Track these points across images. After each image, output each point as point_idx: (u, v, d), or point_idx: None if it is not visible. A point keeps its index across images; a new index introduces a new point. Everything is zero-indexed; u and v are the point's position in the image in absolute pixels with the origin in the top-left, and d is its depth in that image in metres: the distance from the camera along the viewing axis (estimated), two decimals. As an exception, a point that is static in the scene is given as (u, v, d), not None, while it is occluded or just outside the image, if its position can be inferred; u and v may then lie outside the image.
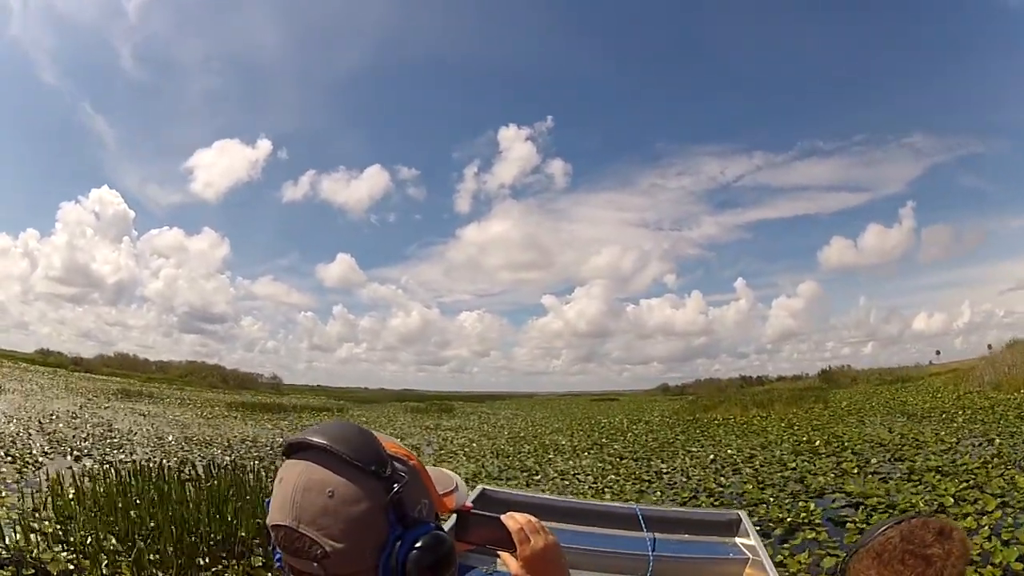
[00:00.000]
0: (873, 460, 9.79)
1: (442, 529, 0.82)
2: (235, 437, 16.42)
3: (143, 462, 9.23)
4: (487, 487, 4.37)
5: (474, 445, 16.59)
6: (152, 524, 5.51)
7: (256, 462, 10.70)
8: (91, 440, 12.72)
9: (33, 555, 4.80)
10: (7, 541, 5.02)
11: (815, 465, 9.96)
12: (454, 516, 0.94)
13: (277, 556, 0.82)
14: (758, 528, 4.60)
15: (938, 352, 48.05)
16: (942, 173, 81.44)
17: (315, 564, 0.76)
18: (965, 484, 7.41)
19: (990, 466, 8.18)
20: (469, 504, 0.96)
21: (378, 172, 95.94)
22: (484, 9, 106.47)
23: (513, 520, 0.93)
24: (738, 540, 3.92)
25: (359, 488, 0.77)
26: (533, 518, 0.94)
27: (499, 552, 0.94)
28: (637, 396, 79.26)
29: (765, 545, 3.76)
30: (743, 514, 4.08)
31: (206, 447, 13.70)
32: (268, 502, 0.82)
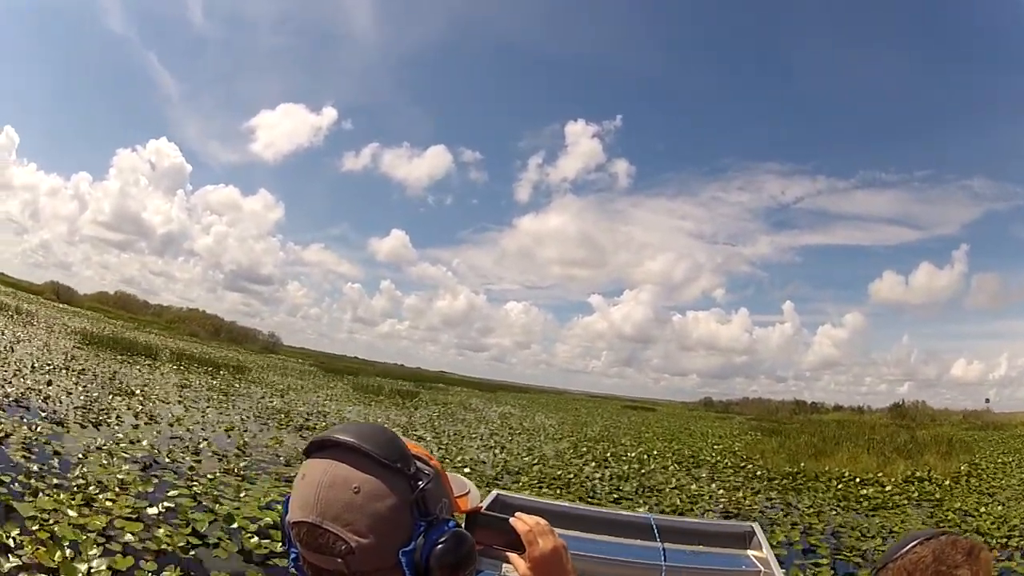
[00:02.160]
0: None
1: (467, 532, 0.83)
2: None
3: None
4: (502, 492, 4.41)
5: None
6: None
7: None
8: None
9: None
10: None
11: None
12: (465, 517, 0.97)
13: (293, 555, 0.83)
14: (771, 542, 4.59)
15: (987, 400, 44.28)
16: (997, 220, 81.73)
17: (339, 560, 0.77)
18: None
19: None
20: (481, 506, 0.99)
21: (441, 152, 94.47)
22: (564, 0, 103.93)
23: (522, 522, 0.94)
24: (751, 552, 3.94)
25: (385, 484, 0.78)
26: (542, 520, 0.95)
27: (508, 553, 0.95)
28: (675, 408, 74.21)
29: (777, 558, 3.87)
30: (756, 527, 4.10)
31: None
32: (287, 500, 0.83)
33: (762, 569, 3.70)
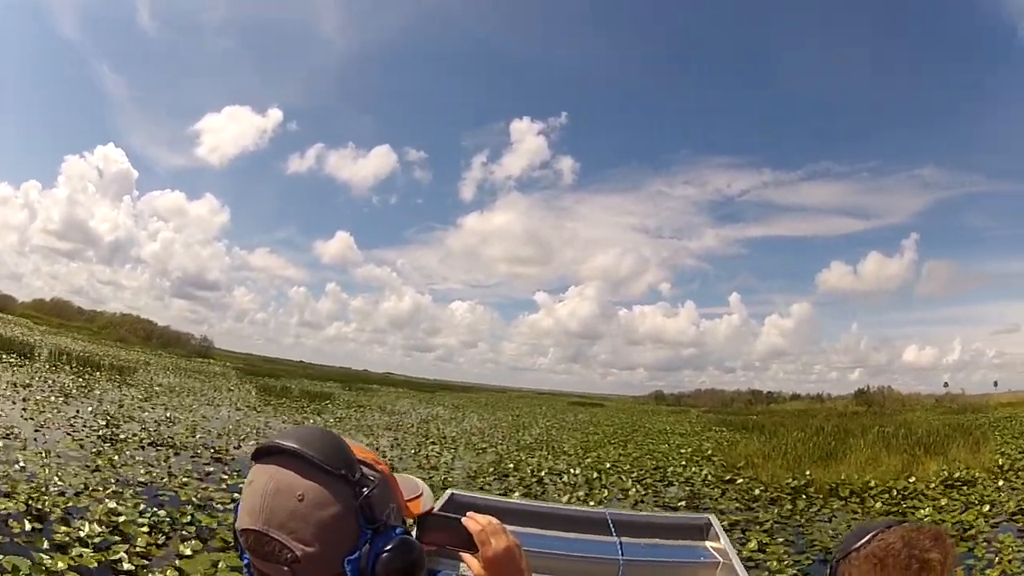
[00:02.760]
0: None
1: (411, 534, 0.82)
2: None
3: None
4: (456, 491, 4.31)
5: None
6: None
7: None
8: None
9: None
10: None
11: None
12: (416, 519, 0.94)
13: (245, 560, 0.82)
14: (728, 531, 4.47)
15: (945, 384, 42.87)
16: (948, 208, 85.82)
17: (285, 568, 0.76)
18: None
19: None
20: (432, 508, 0.97)
21: (386, 152, 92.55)
22: None
23: (474, 522, 0.93)
24: (708, 544, 3.91)
25: (329, 492, 0.77)
26: (494, 520, 0.93)
27: (462, 554, 0.93)
28: (624, 402, 71.07)
29: (735, 547, 3.92)
30: (713, 518, 4.08)
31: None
32: (236, 506, 0.82)
33: (720, 560, 3.67)
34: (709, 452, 15.04)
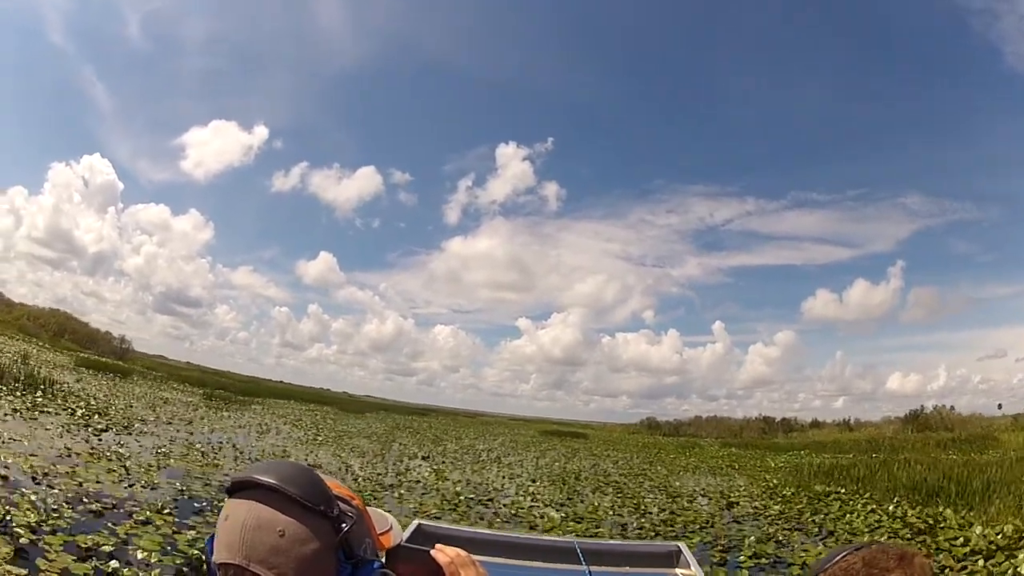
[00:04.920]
0: None
1: (387, 568, 0.85)
2: None
3: None
4: (423, 521, 4.28)
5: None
6: None
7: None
8: None
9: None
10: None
11: None
12: (386, 551, 0.95)
13: None
14: (699, 559, 4.29)
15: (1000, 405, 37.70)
16: (933, 235, 79.35)
17: None
18: None
19: None
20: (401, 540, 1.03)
21: (371, 173, 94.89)
22: (495, 22, 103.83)
23: (443, 554, 0.92)
24: (679, 571, 3.88)
25: (309, 528, 0.78)
26: (463, 552, 0.94)
27: None
28: (611, 430, 62.55)
29: (706, 574, 3.73)
30: (683, 545, 4.03)
31: None
32: (209, 540, 0.82)
33: None
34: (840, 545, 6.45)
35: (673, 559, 3.92)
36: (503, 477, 14.82)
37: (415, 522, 4.11)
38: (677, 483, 16.21)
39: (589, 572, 3.54)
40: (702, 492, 14.34)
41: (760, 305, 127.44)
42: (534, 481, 14.44)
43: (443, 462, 16.86)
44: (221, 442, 14.64)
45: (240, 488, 0.80)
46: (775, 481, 16.16)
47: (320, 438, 20.06)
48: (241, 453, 13.12)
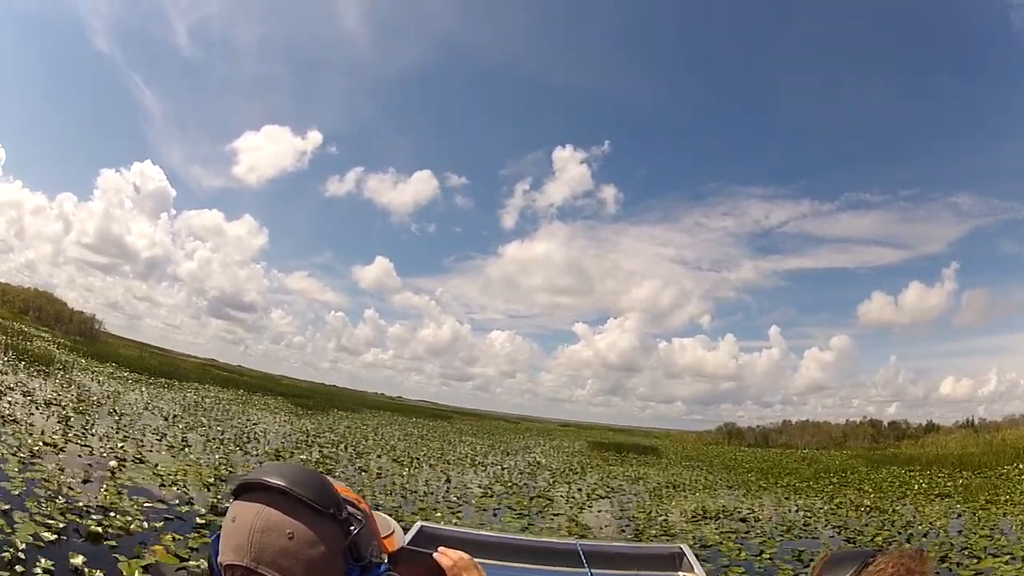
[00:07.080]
0: None
1: (394, 571, 0.86)
2: None
3: None
4: (425, 523, 4.23)
5: None
6: None
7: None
8: None
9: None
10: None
11: None
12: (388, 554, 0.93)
13: None
14: (701, 560, 4.23)
15: None
16: (984, 236, 77.75)
17: None
18: None
19: None
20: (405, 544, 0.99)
21: (427, 177, 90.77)
22: (553, 26, 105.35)
23: (446, 557, 0.94)
24: (681, 574, 3.87)
25: (318, 531, 0.77)
26: (465, 555, 0.95)
27: None
28: (685, 439, 53.41)
29: None
30: (686, 547, 4.00)
31: None
32: (215, 539, 0.81)
33: None
34: None
35: (676, 561, 3.94)
36: None
37: (418, 524, 4.08)
38: None
39: (591, 574, 3.60)
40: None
41: (815, 309, 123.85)
42: None
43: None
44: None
45: (247, 490, 0.79)
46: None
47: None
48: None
